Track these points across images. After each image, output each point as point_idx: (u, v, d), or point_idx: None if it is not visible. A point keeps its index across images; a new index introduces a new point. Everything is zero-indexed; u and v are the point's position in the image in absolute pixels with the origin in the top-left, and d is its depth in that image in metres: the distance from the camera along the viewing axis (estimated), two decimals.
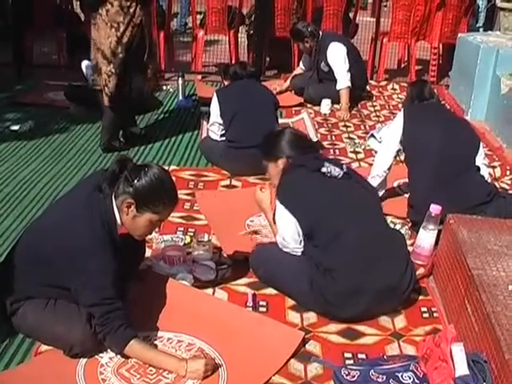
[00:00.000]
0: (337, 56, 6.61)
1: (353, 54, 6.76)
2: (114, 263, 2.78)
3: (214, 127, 5.17)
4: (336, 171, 3.31)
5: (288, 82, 7.27)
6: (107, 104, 5.17)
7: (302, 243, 3.29)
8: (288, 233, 3.30)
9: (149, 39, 5.15)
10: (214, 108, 5.11)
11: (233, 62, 8.05)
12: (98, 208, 2.83)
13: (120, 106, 5.24)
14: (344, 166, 3.41)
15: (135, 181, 2.83)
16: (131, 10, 4.93)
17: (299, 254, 3.32)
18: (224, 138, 5.11)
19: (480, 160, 4.14)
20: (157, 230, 3.20)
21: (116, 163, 2.89)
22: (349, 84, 6.61)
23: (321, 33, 6.91)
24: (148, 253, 3.66)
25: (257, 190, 3.67)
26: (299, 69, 7.32)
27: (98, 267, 2.73)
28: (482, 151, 4.18)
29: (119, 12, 4.91)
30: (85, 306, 2.78)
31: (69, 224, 2.80)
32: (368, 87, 7.42)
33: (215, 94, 5.21)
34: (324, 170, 3.29)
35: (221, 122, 5.07)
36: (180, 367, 2.76)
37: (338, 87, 6.62)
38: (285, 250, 3.36)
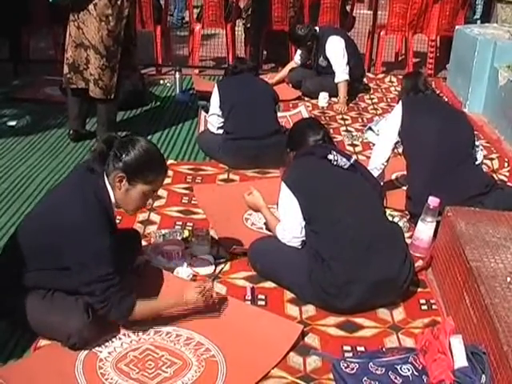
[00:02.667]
0: (335, 49, 6.61)
1: (350, 47, 6.77)
2: (111, 239, 2.82)
3: (212, 118, 5.20)
4: (343, 161, 3.36)
5: (280, 74, 7.29)
6: (102, 97, 5.18)
7: (303, 232, 3.30)
8: (289, 215, 3.32)
9: (134, 32, 5.17)
10: (215, 99, 5.14)
11: (230, 55, 8.07)
12: (91, 187, 2.85)
13: (115, 99, 5.26)
14: (352, 159, 3.44)
15: (123, 155, 2.86)
16: (118, 3, 4.98)
17: (298, 244, 3.33)
18: (222, 131, 5.12)
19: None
20: (150, 201, 3.24)
21: (102, 142, 2.93)
22: (347, 77, 6.61)
23: (317, 28, 6.93)
24: (146, 247, 3.66)
25: (245, 196, 3.73)
26: (293, 63, 7.30)
27: (95, 244, 2.76)
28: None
29: (107, 5, 4.95)
30: (84, 284, 2.80)
31: (63, 205, 2.83)
32: (365, 80, 7.44)
33: (216, 85, 5.25)
34: (330, 157, 3.35)
35: (220, 113, 5.09)
36: (181, 304, 3.00)
37: (336, 80, 6.62)
38: (283, 240, 3.37)
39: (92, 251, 2.76)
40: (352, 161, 3.41)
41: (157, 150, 3.03)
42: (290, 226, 3.33)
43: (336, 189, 3.34)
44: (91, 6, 4.96)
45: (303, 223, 3.30)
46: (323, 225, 3.25)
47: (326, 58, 6.67)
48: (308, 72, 7.06)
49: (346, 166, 3.36)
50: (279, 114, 5.55)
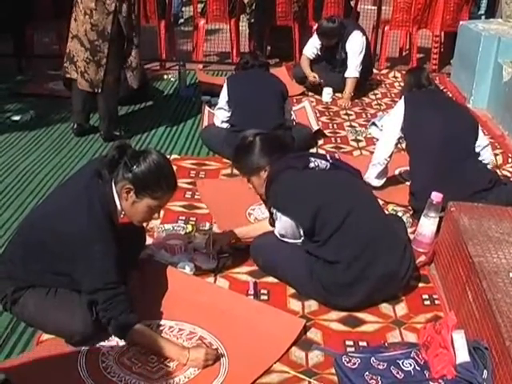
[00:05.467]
0: (357, 45, 6.56)
1: (367, 45, 6.74)
2: (115, 248, 2.80)
3: (219, 112, 5.26)
4: (323, 164, 3.28)
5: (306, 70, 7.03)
6: (88, 90, 5.23)
7: (302, 238, 3.30)
8: (289, 234, 3.31)
9: (128, 27, 5.12)
10: (223, 94, 5.19)
11: (234, 50, 8.07)
12: (98, 194, 2.83)
13: (113, 94, 5.29)
14: (328, 157, 3.37)
15: (134, 167, 2.83)
16: None
17: (299, 243, 3.33)
18: (226, 125, 5.16)
19: (482, 142, 4.13)
20: (156, 215, 3.20)
21: (115, 149, 2.89)
22: (357, 75, 6.60)
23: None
24: (149, 242, 3.67)
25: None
26: (308, 56, 6.98)
27: (99, 252, 2.74)
28: (481, 134, 4.17)
29: None
30: (88, 292, 2.79)
31: (68, 210, 2.80)
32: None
33: (226, 80, 5.31)
34: (312, 165, 3.26)
35: (227, 108, 5.14)
36: (181, 355, 2.77)
37: (346, 75, 6.60)
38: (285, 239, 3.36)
39: (94, 259, 2.74)
40: (330, 160, 3.33)
41: (168, 165, 2.99)
42: (290, 239, 3.32)
43: (329, 194, 3.25)
44: None
45: (303, 236, 3.27)
46: (323, 236, 3.18)
47: (345, 52, 6.62)
48: (314, 67, 7.02)
49: (327, 168, 3.26)
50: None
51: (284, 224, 3.28)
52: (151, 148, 2.99)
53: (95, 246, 2.74)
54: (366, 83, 7.10)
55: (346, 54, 6.61)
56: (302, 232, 3.24)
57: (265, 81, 5.30)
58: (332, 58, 6.79)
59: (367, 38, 6.91)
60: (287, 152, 3.41)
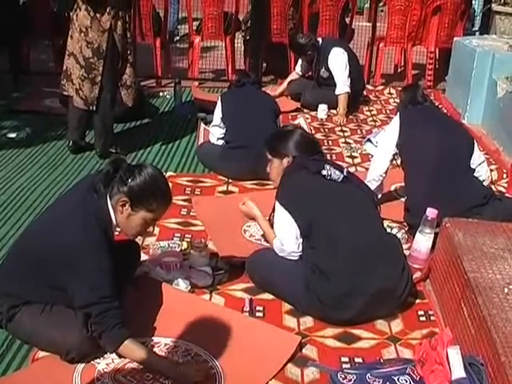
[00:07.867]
0: (338, 61, 6.65)
1: (352, 59, 6.80)
2: (110, 262, 2.80)
3: (214, 129, 5.29)
4: (336, 174, 3.35)
5: (282, 87, 7.31)
6: (83, 107, 5.25)
7: (301, 247, 3.31)
8: (286, 233, 3.32)
9: (122, 45, 5.16)
10: (217, 111, 5.23)
11: (229, 68, 8.10)
12: (93, 208, 2.84)
13: (107, 111, 5.30)
14: (345, 170, 3.44)
15: (129, 180, 2.86)
16: (98, 15, 4.99)
17: (296, 258, 3.33)
18: (222, 142, 5.19)
19: (477, 159, 4.15)
20: (151, 229, 3.20)
21: (110, 164, 2.92)
22: (348, 90, 6.65)
23: (320, 39, 6.94)
24: (145, 259, 3.67)
25: (240, 206, 3.75)
26: (295, 73, 7.33)
27: (94, 266, 2.74)
28: (476, 150, 4.20)
29: (86, 16, 5.00)
30: (81, 307, 2.78)
31: (63, 224, 2.82)
32: (365, 92, 7.45)
33: (219, 97, 5.36)
34: (324, 172, 3.33)
35: (221, 125, 5.18)
36: (171, 369, 2.77)
37: (337, 92, 6.66)
38: (281, 254, 3.36)
39: (89, 273, 2.74)
40: (345, 172, 3.41)
41: (163, 178, 3.03)
42: (288, 243, 3.33)
43: (332, 204, 3.32)
44: (75, 16, 5.06)
45: (300, 240, 3.30)
46: (320, 241, 3.23)
47: (328, 70, 6.70)
48: (308, 83, 7.08)
49: (339, 180, 3.35)
50: None
51: (283, 220, 3.32)
52: (146, 163, 3.00)
53: (90, 259, 2.74)
54: (359, 97, 7.15)
55: (329, 71, 6.69)
56: (299, 233, 3.27)
57: (257, 98, 5.38)
58: (317, 75, 6.89)
59: (352, 52, 7.00)
60: (315, 154, 3.56)
